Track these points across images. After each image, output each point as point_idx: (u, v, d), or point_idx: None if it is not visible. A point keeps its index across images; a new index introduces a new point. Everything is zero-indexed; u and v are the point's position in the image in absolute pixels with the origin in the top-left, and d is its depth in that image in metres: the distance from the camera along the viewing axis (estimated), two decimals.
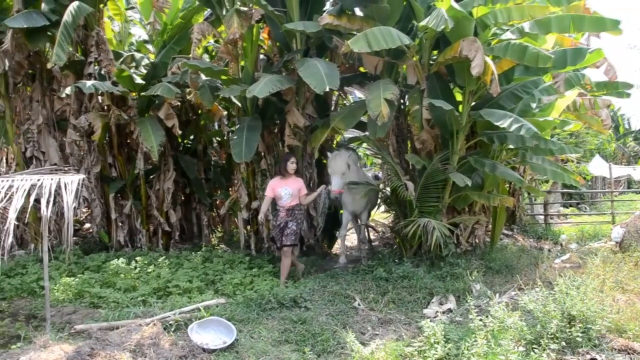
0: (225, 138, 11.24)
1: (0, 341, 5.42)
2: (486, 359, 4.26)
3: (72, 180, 5.52)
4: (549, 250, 10.01)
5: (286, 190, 7.67)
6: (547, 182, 14.03)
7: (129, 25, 12.45)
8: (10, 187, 5.24)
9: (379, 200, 10.00)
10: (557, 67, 7.76)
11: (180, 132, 9.78)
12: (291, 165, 7.79)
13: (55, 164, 9.55)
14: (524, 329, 4.79)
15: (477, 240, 8.91)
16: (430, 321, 5.01)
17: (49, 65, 9.03)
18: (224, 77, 9.00)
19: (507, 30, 7.66)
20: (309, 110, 9.00)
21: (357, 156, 9.29)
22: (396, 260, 8.04)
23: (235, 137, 8.67)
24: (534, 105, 8.18)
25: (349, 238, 11.27)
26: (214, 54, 11.15)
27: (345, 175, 8.38)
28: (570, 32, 7.58)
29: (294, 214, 7.75)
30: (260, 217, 7.99)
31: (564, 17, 7.19)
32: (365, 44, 6.95)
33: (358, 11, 8.66)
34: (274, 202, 7.98)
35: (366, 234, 10.14)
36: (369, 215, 9.95)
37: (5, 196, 5.15)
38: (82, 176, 5.90)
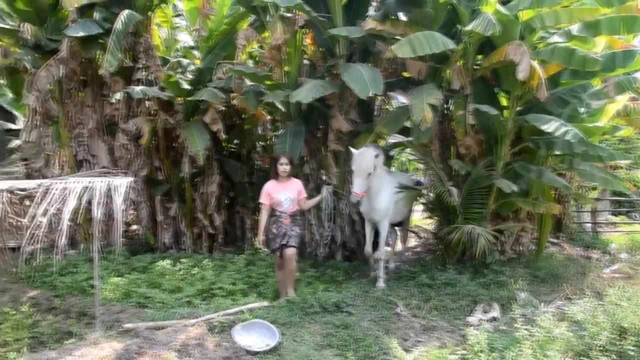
0: (268, 142, 11.35)
1: (54, 336, 5.61)
2: None
3: (121, 183, 5.66)
4: (598, 260, 9.72)
5: (285, 195, 6.89)
6: (595, 189, 13.61)
7: (176, 32, 12.73)
8: (65, 189, 5.42)
9: (413, 208, 9.12)
10: (606, 71, 7.56)
11: (224, 136, 9.91)
12: (281, 167, 6.92)
13: (105, 167, 9.87)
14: (572, 340, 4.66)
15: (522, 248, 8.73)
16: (474, 329, 4.95)
17: (100, 72, 9.30)
18: (268, 82, 9.12)
19: (554, 33, 7.50)
20: (352, 115, 8.98)
21: (383, 157, 7.85)
22: (439, 267, 7.95)
23: (279, 142, 8.76)
24: (582, 110, 7.98)
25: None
26: (258, 59, 11.30)
27: (371, 176, 7.20)
28: (621, 34, 7.35)
29: (296, 220, 7.05)
30: (262, 232, 6.95)
31: (614, 19, 7.01)
32: (410, 49, 6.93)
33: (402, 16, 8.64)
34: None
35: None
36: (408, 224, 9.26)
37: (59, 197, 5.34)
38: (130, 179, 6.04)
